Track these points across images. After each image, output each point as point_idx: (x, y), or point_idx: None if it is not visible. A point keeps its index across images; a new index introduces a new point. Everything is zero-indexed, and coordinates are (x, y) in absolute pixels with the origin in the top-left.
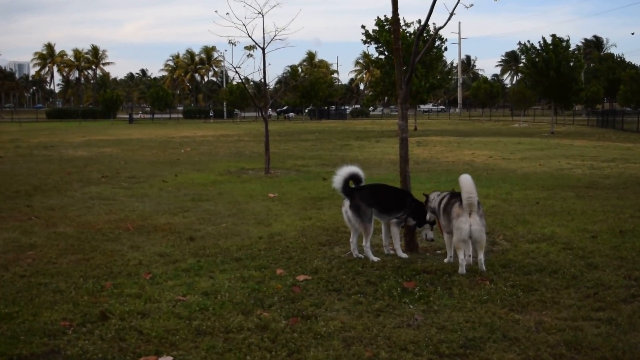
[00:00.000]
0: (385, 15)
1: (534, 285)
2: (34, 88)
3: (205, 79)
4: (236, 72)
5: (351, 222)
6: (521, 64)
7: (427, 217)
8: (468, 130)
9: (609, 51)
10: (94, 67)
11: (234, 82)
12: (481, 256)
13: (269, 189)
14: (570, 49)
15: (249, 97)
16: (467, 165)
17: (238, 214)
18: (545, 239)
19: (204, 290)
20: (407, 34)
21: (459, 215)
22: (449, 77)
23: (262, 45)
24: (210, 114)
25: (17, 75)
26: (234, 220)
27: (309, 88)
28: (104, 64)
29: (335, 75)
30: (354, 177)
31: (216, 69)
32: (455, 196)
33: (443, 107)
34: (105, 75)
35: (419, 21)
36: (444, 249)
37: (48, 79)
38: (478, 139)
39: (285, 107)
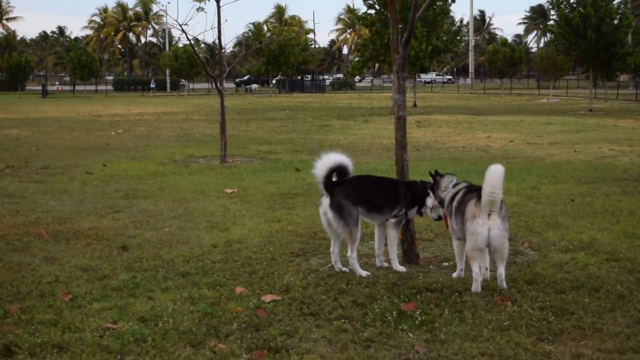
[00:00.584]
0: None
1: (569, 307)
2: None
3: (143, 40)
4: (182, 31)
5: (332, 226)
6: (551, 22)
7: (429, 203)
8: (482, 106)
9: None
10: None
11: (180, 45)
12: (502, 270)
13: (226, 182)
14: (614, 2)
15: (199, 63)
16: (482, 152)
17: (185, 215)
18: (582, 247)
19: (140, 315)
20: None
21: (475, 216)
22: (458, 38)
23: None
24: (152, 86)
25: None
26: (180, 223)
27: (277, 52)
28: (8, 20)
29: (311, 35)
30: (339, 168)
31: (156, 27)
32: (473, 191)
33: (450, 77)
34: (10, 34)
35: None
36: (452, 260)
37: None
38: (495, 119)
39: (246, 77)
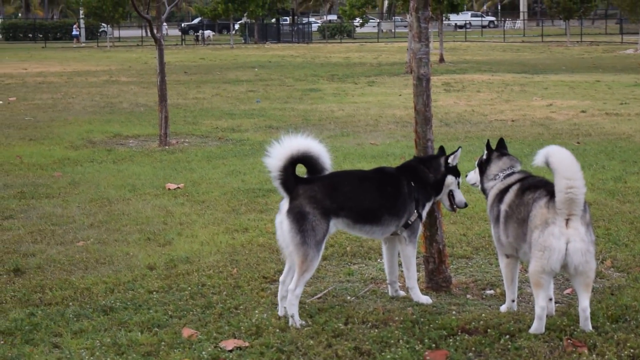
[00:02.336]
0: None
1: None
2: None
3: None
4: None
5: (285, 243)
6: None
7: (450, 181)
8: (540, 61)
9: None
10: None
11: None
12: (586, 302)
13: (168, 174)
14: None
15: (126, 0)
16: (541, 128)
17: (108, 222)
18: None
19: None
20: None
21: (547, 222)
22: None
23: None
24: (75, 33)
25: None
26: (100, 234)
27: None
28: None
29: None
30: (306, 158)
31: None
32: (537, 187)
33: (492, 18)
34: None
35: None
36: (500, 286)
37: None
38: (559, 79)
39: (197, 21)
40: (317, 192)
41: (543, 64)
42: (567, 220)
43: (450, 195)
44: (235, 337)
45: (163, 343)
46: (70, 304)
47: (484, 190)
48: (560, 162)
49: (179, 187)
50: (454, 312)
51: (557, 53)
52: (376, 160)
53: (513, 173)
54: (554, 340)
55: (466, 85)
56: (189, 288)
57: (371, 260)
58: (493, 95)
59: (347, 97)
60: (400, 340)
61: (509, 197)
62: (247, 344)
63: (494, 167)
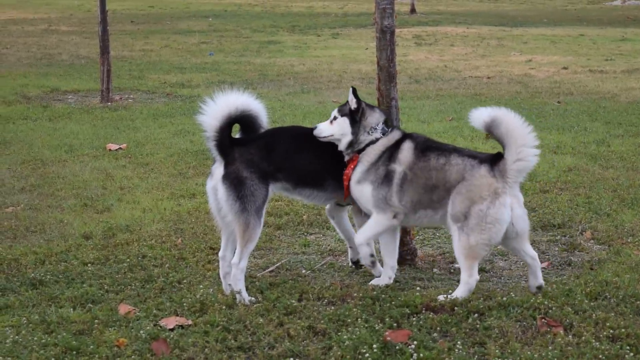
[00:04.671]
0: None
1: None
2: None
3: None
4: None
5: (222, 212)
6: None
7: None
8: (519, 13)
9: None
10: None
11: None
12: (533, 251)
13: (110, 134)
14: None
15: None
16: (519, 85)
17: (41, 186)
18: None
19: None
20: None
21: (497, 192)
22: None
23: None
24: None
25: None
26: (32, 199)
27: None
28: None
29: None
30: (243, 117)
31: None
32: (442, 150)
33: None
34: None
35: None
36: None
37: None
38: (539, 32)
39: None
40: (253, 154)
41: (523, 15)
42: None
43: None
44: (177, 315)
45: (97, 320)
46: None
47: (351, 144)
48: (515, 129)
49: (120, 148)
50: (418, 288)
51: (539, 4)
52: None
53: (394, 129)
54: (527, 320)
55: (439, 38)
56: (128, 260)
57: (329, 230)
58: (468, 50)
59: (309, 51)
60: (359, 319)
61: (406, 157)
62: (190, 322)
63: (371, 119)
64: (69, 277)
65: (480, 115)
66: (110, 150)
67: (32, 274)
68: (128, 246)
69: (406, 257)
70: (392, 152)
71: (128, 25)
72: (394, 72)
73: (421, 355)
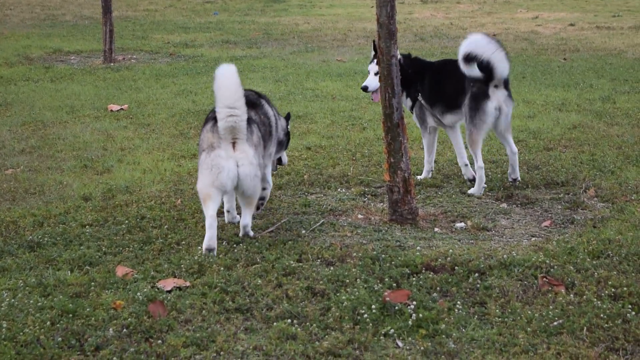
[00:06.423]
0: None
1: None
2: None
3: None
4: None
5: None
6: None
7: None
8: None
9: None
10: None
11: None
12: (248, 219)
13: (112, 94)
14: None
15: None
16: (525, 42)
17: (41, 148)
18: None
19: None
20: None
21: (212, 145)
22: None
23: None
24: None
25: None
26: (31, 161)
27: None
28: None
29: None
30: None
31: None
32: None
33: None
34: None
35: None
36: (472, 218)
37: None
38: None
39: None
40: None
41: None
42: (234, 144)
43: None
44: (175, 276)
45: (94, 283)
46: None
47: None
48: (220, 88)
49: (122, 109)
50: (418, 248)
51: None
52: (342, 78)
53: None
54: (528, 279)
55: None
56: (127, 221)
57: (330, 190)
58: (474, 7)
59: (314, 9)
60: (358, 279)
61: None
62: (187, 283)
63: None
64: (67, 239)
65: None
66: (111, 111)
67: (30, 237)
68: (127, 207)
69: (407, 216)
70: None
71: None
72: (394, 29)
73: (420, 315)
